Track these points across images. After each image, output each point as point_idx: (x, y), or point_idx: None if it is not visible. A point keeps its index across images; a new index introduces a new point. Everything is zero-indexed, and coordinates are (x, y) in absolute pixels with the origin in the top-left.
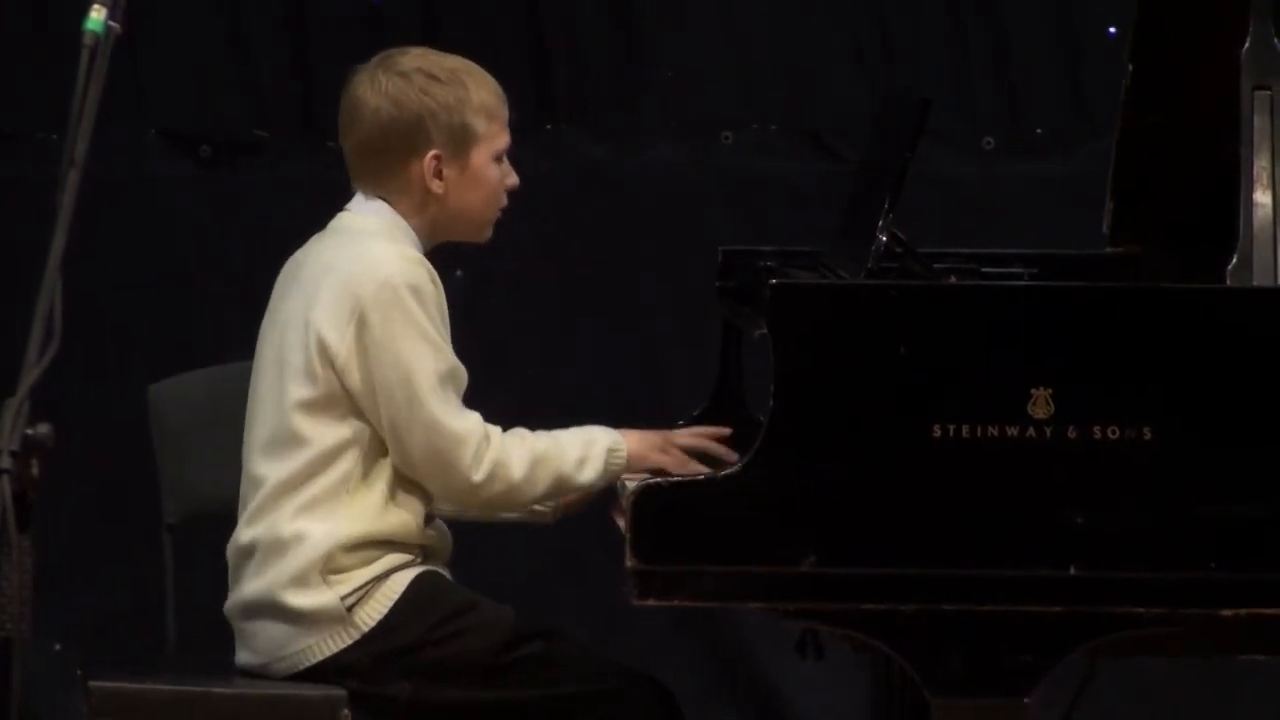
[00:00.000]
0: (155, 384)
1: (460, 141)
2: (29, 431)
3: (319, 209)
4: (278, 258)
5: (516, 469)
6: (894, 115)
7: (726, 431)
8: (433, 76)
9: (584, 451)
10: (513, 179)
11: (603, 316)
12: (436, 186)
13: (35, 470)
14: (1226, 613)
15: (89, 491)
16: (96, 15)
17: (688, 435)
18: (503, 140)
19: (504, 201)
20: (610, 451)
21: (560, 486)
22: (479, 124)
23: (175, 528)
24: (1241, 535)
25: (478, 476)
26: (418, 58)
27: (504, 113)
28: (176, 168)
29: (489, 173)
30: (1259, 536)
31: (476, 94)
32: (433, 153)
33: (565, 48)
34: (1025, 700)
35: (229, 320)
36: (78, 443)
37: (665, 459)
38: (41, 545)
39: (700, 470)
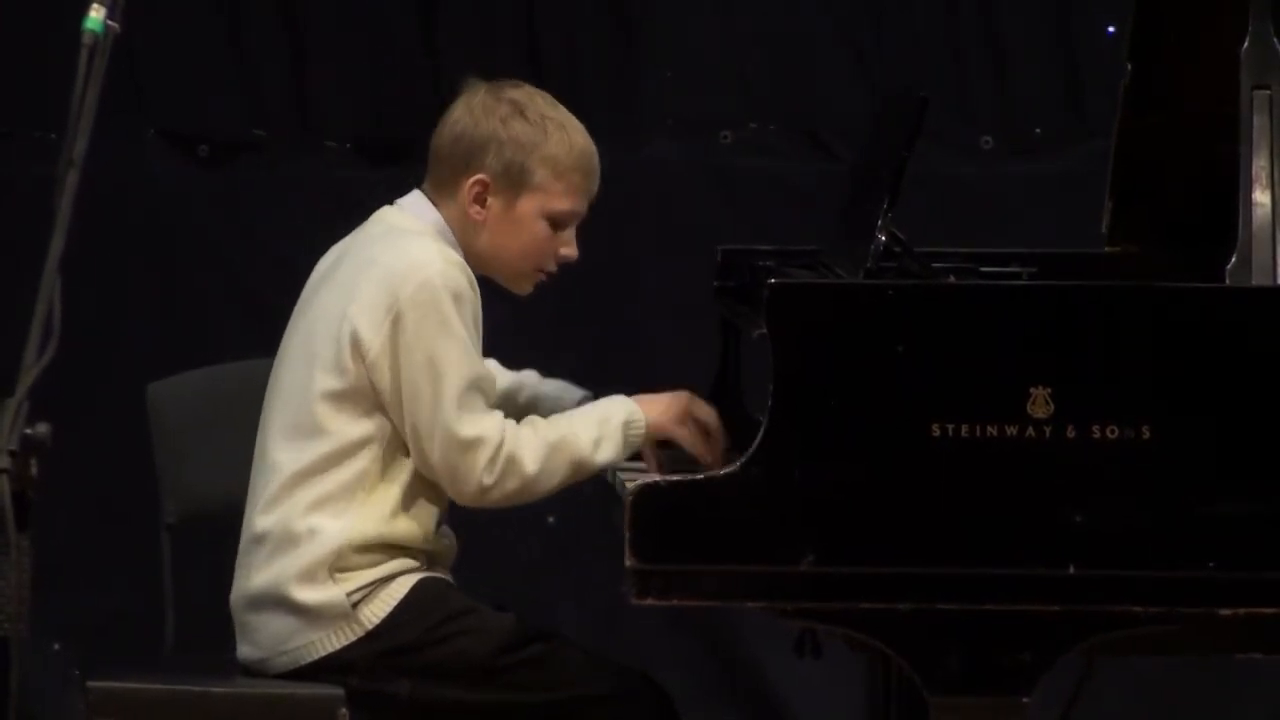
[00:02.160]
0: (154, 383)
1: (514, 180)
2: (28, 431)
3: (318, 208)
4: (276, 257)
5: (530, 463)
6: (892, 114)
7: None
8: (520, 112)
9: (599, 431)
10: (570, 250)
11: (601, 316)
12: (475, 213)
13: (34, 470)
14: (1224, 612)
15: (88, 491)
16: (95, 15)
17: (705, 410)
18: (564, 203)
19: (550, 266)
20: (627, 425)
21: (579, 470)
22: (540, 173)
23: (174, 527)
24: (1239, 534)
25: (489, 479)
26: (524, 93)
27: (579, 179)
28: (175, 167)
29: (533, 225)
30: (1257, 536)
31: (554, 146)
32: (479, 176)
33: (563, 47)
34: (1024, 699)
35: (228, 320)
36: (76, 442)
37: (683, 431)
38: (40, 545)
39: (712, 452)
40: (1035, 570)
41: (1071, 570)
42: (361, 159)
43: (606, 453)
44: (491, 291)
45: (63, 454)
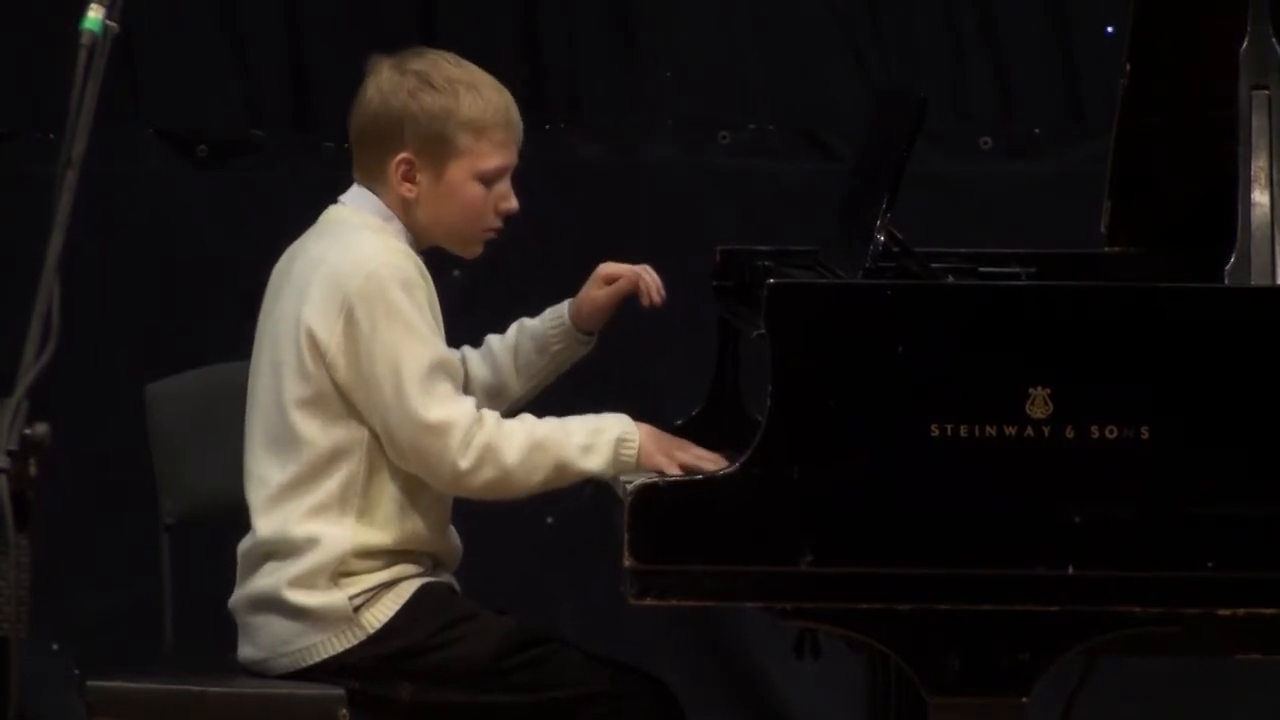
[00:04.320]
0: (153, 384)
1: (437, 152)
2: (27, 431)
3: (315, 208)
4: (274, 257)
5: (510, 455)
6: (890, 114)
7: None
8: (428, 81)
9: (590, 439)
10: (509, 203)
11: None
12: (407, 191)
13: (33, 470)
14: (1224, 612)
15: (87, 491)
16: (94, 14)
17: (698, 457)
18: (492, 160)
19: (494, 223)
20: (620, 441)
21: (562, 474)
22: (462, 139)
23: (173, 528)
24: (1239, 535)
25: (464, 464)
26: (427, 61)
27: (501, 134)
28: (173, 167)
29: (467, 190)
30: (1256, 536)
31: (468, 108)
32: (402, 155)
33: (562, 47)
34: (1023, 699)
35: (226, 320)
36: (75, 442)
37: (671, 467)
38: (40, 545)
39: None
40: (1034, 571)
41: (1070, 571)
42: None
43: (594, 462)
44: (490, 292)
45: (62, 454)
